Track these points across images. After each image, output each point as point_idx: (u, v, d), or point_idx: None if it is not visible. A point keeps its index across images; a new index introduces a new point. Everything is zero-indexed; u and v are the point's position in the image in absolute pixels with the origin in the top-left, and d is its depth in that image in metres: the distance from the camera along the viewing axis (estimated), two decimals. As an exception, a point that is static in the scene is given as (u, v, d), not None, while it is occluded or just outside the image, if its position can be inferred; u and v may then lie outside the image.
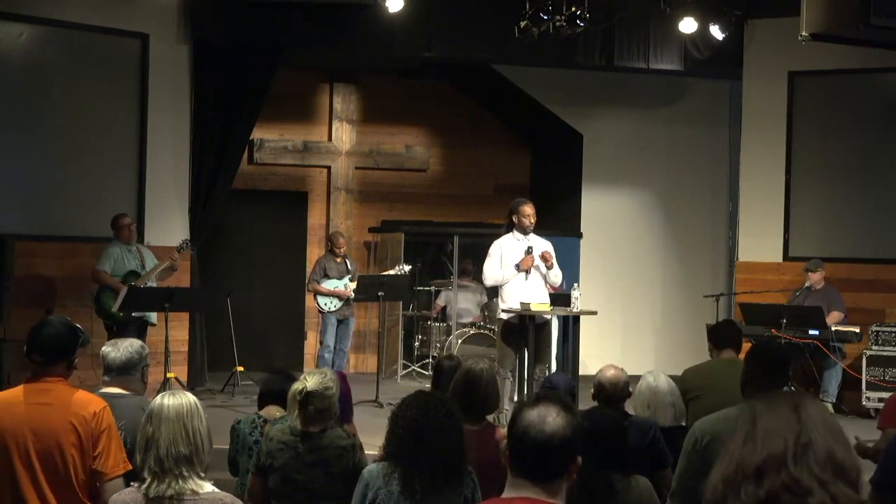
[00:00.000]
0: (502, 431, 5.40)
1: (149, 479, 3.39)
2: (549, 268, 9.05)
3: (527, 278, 8.99)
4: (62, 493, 4.07)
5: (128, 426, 4.55)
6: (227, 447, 5.64)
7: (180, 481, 3.36)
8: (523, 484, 2.57)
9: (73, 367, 4.28)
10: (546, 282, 9.14)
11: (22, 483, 4.05)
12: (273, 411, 5.52)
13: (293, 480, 4.77)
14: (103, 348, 4.91)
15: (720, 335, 6.55)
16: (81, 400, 4.16)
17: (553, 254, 9.18)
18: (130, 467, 4.13)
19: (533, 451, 2.56)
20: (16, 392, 4.23)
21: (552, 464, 2.58)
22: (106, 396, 4.70)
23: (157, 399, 3.52)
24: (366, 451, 5.04)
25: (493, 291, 9.47)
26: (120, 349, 4.84)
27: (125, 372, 4.79)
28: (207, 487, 3.42)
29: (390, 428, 4.22)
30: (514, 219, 9.11)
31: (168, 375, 9.47)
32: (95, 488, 4.10)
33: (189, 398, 3.53)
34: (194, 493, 3.38)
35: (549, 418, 2.57)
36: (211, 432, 3.59)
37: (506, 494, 2.60)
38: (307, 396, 4.79)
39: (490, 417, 5.53)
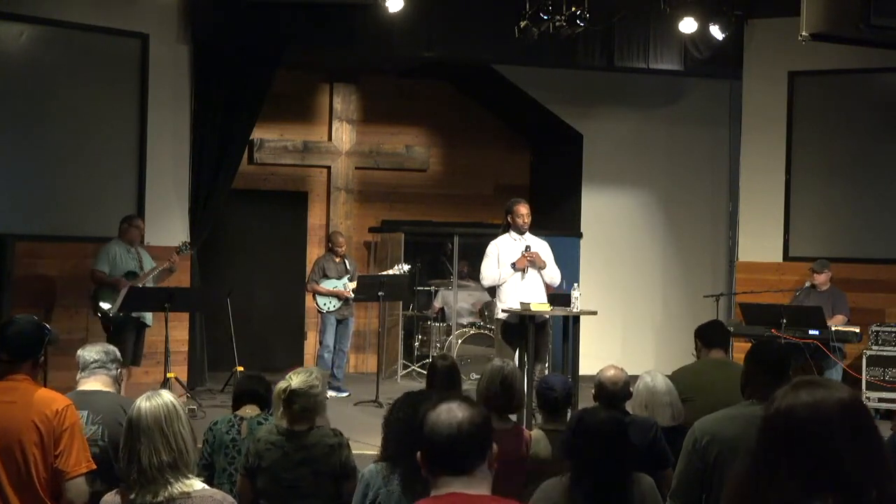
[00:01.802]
0: (528, 431, 5.47)
1: (135, 490, 3.34)
2: (541, 268, 9.04)
3: (523, 278, 8.98)
4: (23, 492, 4.06)
5: (105, 420, 4.58)
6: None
7: (168, 488, 3.31)
8: (446, 482, 2.63)
9: (39, 366, 4.28)
10: (544, 281, 9.14)
11: None
12: (248, 410, 5.54)
13: (281, 479, 4.78)
14: (78, 351, 4.97)
15: (710, 335, 6.54)
16: (44, 398, 4.15)
17: (550, 253, 9.18)
18: (94, 466, 4.13)
19: (446, 444, 2.62)
20: None
21: (467, 453, 2.63)
22: (80, 394, 4.73)
23: (136, 403, 3.45)
24: (365, 452, 5.05)
25: (492, 291, 9.47)
26: (90, 349, 4.92)
27: (99, 368, 4.83)
28: (198, 485, 3.37)
29: (384, 432, 4.26)
30: (510, 218, 9.12)
31: (168, 375, 9.46)
32: (58, 487, 4.08)
33: (166, 399, 3.44)
34: (185, 494, 3.32)
35: (452, 411, 2.64)
36: (195, 430, 3.56)
37: (433, 494, 2.64)
38: (291, 395, 4.80)
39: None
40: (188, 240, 10.36)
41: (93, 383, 4.82)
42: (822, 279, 10.62)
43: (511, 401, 5.33)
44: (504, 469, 4.75)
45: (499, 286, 9.05)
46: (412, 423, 4.10)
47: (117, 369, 4.92)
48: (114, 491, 3.47)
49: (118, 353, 5.00)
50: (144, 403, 3.42)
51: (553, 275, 9.15)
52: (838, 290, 10.68)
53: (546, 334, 9.10)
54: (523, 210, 9.08)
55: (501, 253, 9.04)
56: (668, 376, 6.17)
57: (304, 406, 4.81)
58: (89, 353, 4.89)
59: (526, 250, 8.98)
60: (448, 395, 2.77)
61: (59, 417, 4.08)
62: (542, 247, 9.19)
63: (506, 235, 9.15)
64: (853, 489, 2.02)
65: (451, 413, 2.63)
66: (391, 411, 4.26)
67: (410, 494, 4.05)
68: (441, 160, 13.93)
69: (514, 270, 8.97)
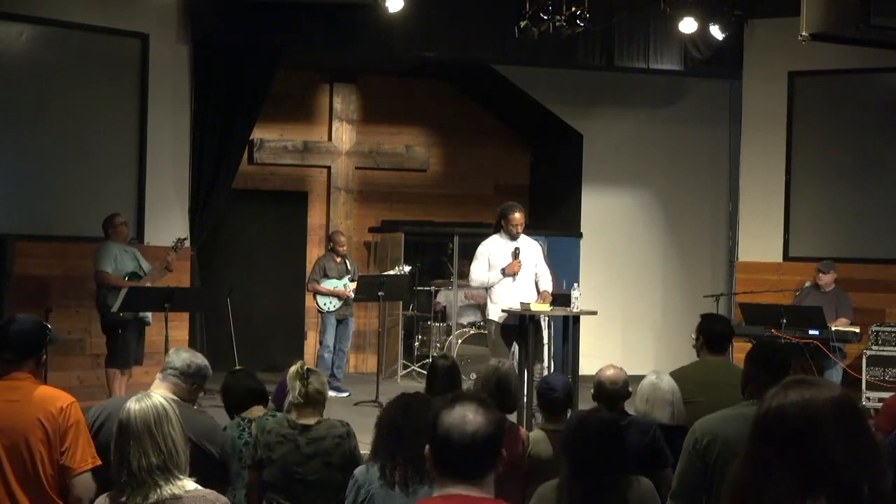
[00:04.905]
0: (524, 431, 5.49)
1: (126, 493, 3.32)
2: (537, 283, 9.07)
3: (514, 280, 8.95)
4: (31, 490, 4.08)
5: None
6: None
7: (158, 490, 3.27)
8: (453, 483, 2.62)
9: (41, 365, 4.31)
10: (538, 290, 9.08)
11: None
12: (256, 411, 5.54)
13: (292, 472, 4.82)
14: (169, 351, 4.93)
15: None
16: (48, 396, 4.18)
17: (541, 254, 9.17)
18: (100, 462, 4.13)
19: (458, 451, 2.60)
20: None
21: (479, 461, 2.63)
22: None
23: (126, 405, 3.40)
24: (365, 452, 5.07)
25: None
26: (178, 354, 4.81)
27: (171, 375, 4.72)
28: (190, 486, 3.33)
29: (375, 431, 4.36)
30: (503, 223, 9.03)
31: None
32: (65, 484, 4.11)
33: (156, 401, 3.38)
34: (175, 497, 3.28)
35: (468, 417, 2.61)
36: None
37: (437, 494, 2.64)
38: (308, 372, 4.90)
39: None
40: (183, 236, 10.25)
41: (159, 387, 4.70)
42: (827, 279, 10.60)
43: (506, 402, 5.33)
44: (502, 471, 4.79)
45: (489, 288, 9.03)
46: (399, 423, 4.22)
47: (193, 384, 4.75)
48: (105, 494, 3.45)
49: (203, 370, 4.79)
50: (134, 405, 3.37)
51: (545, 285, 9.07)
52: (842, 291, 10.66)
53: (539, 334, 9.07)
54: (518, 219, 8.95)
55: (492, 255, 9.00)
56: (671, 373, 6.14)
57: (317, 388, 4.88)
58: (172, 357, 4.77)
59: (515, 254, 8.94)
60: (463, 395, 2.72)
61: (63, 414, 4.11)
62: (533, 248, 9.14)
63: (496, 236, 9.08)
64: (846, 487, 2.03)
65: (465, 420, 2.60)
66: (383, 412, 4.37)
67: (401, 487, 4.12)
68: (441, 160, 13.93)
69: (504, 276, 8.92)
